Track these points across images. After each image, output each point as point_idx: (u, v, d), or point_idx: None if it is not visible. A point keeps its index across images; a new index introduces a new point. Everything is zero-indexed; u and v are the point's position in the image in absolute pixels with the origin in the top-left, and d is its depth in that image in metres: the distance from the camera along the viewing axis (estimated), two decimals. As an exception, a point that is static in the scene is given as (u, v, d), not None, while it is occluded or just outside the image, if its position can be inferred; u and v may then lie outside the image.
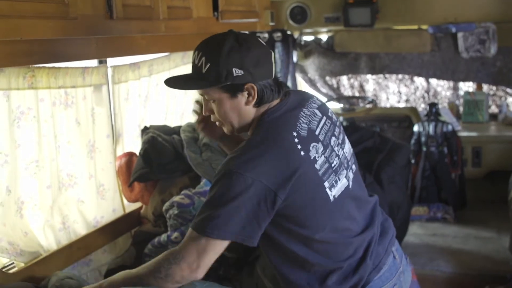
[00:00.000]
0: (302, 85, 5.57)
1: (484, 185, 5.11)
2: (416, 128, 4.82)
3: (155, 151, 2.90)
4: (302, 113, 1.77)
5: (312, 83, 5.54)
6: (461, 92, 5.61)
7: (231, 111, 1.74)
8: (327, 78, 5.56)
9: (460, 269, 3.93)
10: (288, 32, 4.88)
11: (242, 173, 1.59)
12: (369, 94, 5.83)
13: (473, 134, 5.07)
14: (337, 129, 1.85)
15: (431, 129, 4.73)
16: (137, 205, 3.09)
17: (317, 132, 1.76)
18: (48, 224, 2.53)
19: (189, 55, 3.54)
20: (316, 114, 1.80)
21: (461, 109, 5.54)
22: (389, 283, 1.89)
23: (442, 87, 5.70)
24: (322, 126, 1.79)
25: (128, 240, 3.00)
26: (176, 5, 2.68)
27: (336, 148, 1.79)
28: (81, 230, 2.71)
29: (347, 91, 5.78)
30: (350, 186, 1.81)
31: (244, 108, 1.73)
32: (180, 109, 3.55)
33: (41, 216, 2.50)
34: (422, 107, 5.68)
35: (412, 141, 4.79)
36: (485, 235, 4.46)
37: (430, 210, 4.75)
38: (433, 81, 5.65)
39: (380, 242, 1.89)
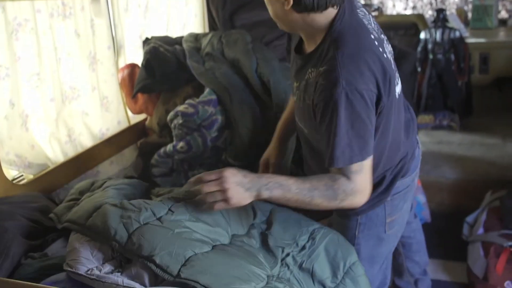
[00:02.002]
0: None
1: (491, 92, 5.08)
2: (422, 35, 4.73)
3: (157, 61, 2.87)
4: (360, 12, 1.77)
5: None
6: (470, -3, 5.47)
7: (274, 16, 1.75)
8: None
9: (464, 175, 3.97)
10: None
11: (355, 89, 1.59)
12: (375, 1, 5.68)
13: (481, 40, 4.98)
14: (378, 28, 1.84)
15: (438, 36, 4.65)
16: (142, 116, 3.10)
17: (376, 31, 1.76)
18: (54, 137, 2.54)
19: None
20: (365, 13, 1.81)
21: (469, 15, 5.41)
22: (416, 170, 2.09)
23: (450, -7, 5.57)
24: (373, 24, 1.79)
25: (135, 151, 3.03)
26: None
27: (386, 46, 1.79)
28: (87, 142, 2.73)
29: (352, -1, 5.62)
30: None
31: (285, 13, 1.70)
32: (182, 20, 3.48)
33: (46, 129, 2.51)
34: (429, 13, 5.56)
35: (419, 49, 4.72)
36: (490, 142, 4.47)
37: (436, 118, 4.75)
38: (441, -14, 5.50)
39: (413, 131, 2.03)
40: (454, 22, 5.01)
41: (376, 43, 1.70)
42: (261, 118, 2.72)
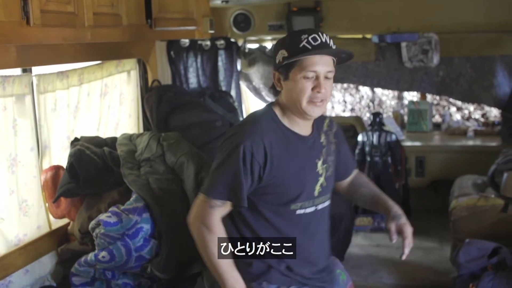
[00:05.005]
0: (247, 94, 5.48)
1: (427, 195, 5.14)
2: (360, 137, 4.79)
3: (81, 164, 2.75)
4: None
5: (257, 91, 5.46)
6: (406, 102, 5.64)
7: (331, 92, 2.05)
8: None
9: (402, 281, 3.91)
10: (232, 40, 4.79)
11: None
12: (314, 102, 5.79)
13: (417, 143, 5.09)
14: None
15: (375, 138, 4.72)
16: (65, 221, 2.93)
17: None
18: (-37, 244, 2.36)
19: (124, 63, 3.41)
20: None
21: (405, 118, 5.56)
22: None
23: (387, 96, 5.74)
24: None
25: (54, 258, 2.84)
26: (103, 11, 2.53)
27: None
28: (1, 249, 2.54)
29: (292, 100, 5.72)
30: None
31: None
32: (114, 119, 3.40)
33: (-45, 235, 2.33)
34: (367, 116, 5.69)
35: (357, 151, 4.76)
36: (428, 245, 4.46)
37: (374, 220, 4.73)
38: (378, 90, 5.67)
39: None
40: (391, 125, 5.13)
41: None
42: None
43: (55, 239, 2.84)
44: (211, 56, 4.52)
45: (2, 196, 2.54)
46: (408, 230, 2.22)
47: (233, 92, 4.78)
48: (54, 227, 2.87)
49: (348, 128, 5.10)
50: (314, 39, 1.93)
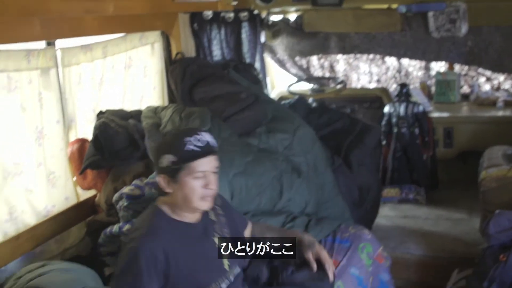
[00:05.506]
0: (271, 66, 5.45)
1: (455, 166, 5.06)
2: (386, 109, 4.73)
3: (106, 137, 2.77)
4: None
5: (281, 63, 5.42)
6: (433, 72, 5.54)
7: None
8: (297, 58, 5.44)
9: (430, 252, 3.88)
10: (255, 12, 4.74)
11: None
12: (340, 74, 5.73)
13: (445, 114, 5.00)
14: None
15: (401, 110, 4.65)
16: (92, 192, 2.97)
17: None
18: (-7, 215, 2.41)
19: (147, 36, 3.40)
20: None
21: (433, 89, 5.47)
22: None
23: (413, 67, 5.63)
24: None
25: (83, 229, 2.88)
26: (126, -17, 2.53)
27: None
28: (30, 220, 2.59)
29: (317, 72, 5.67)
30: None
31: None
32: (139, 92, 3.41)
33: (-15, 207, 2.37)
34: (393, 87, 5.60)
35: (383, 122, 4.71)
36: (456, 216, 4.40)
37: (402, 191, 4.68)
38: (405, 61, 5.57)
39: None
40: (418, 96, 5.04)
41: None
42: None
43: (83, 211, 2.88)
44: (234, 28, 4.48)
45: (31, 168, 2.57)
46: (324, 253, 2.24)
47: (257, 64, 4.75)
48: (81, 198, 2.91)
49: (375, 99, 5.04)
50: (198, 141, 1.97)
